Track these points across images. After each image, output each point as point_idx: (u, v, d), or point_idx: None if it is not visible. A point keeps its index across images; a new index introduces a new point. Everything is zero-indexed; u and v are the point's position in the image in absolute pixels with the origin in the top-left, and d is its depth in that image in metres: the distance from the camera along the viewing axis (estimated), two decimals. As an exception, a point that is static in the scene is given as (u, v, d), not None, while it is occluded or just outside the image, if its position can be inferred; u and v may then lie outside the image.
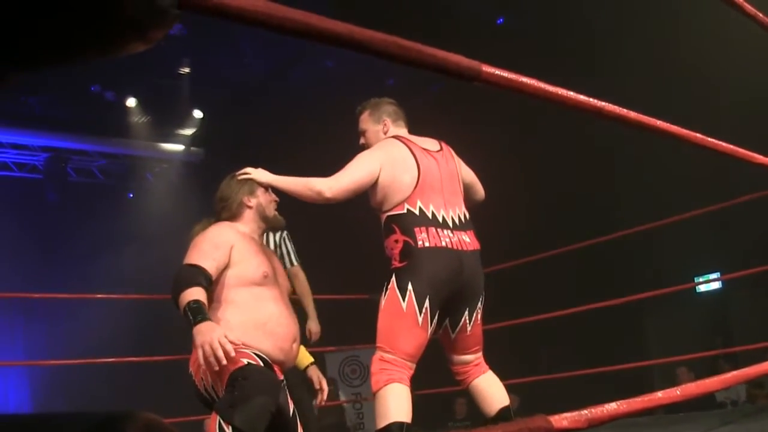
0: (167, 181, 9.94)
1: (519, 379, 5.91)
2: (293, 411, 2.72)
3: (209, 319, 2.50)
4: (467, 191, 3.18)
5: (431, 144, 3.11)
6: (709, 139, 2.05)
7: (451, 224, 2.92)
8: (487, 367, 3.07)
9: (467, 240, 2.94)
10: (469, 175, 3.25)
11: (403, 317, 2.78)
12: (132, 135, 9.21)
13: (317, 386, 3.03)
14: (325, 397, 3.03)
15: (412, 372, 2.82)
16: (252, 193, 2.95)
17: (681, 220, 5.33)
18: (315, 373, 3.04)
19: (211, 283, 2.66)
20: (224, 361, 2.43)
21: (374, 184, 2.92)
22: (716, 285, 8.59)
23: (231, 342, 2.47)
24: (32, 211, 9.10)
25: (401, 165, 2.93)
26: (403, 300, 2.78)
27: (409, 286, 2.78)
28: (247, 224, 2.94)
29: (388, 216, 2.92)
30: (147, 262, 8.24)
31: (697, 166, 6.25)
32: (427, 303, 2.78)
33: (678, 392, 1.68)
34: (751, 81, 6.57)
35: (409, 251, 2.83)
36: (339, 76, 8.17)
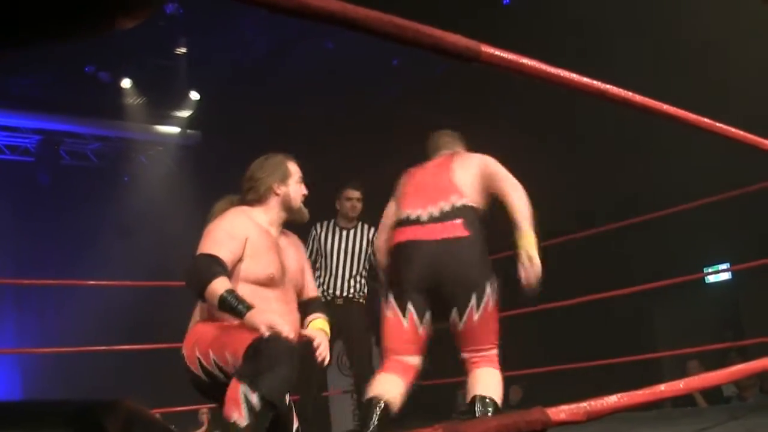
0: (163, 165, 9.82)
1: (523, 370, 5.84)
2: (289, 401, 2.68)
3: (253, 306, 2.50)
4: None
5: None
6: (718, 124, 2.02)
7: (426, 219, 2.89)
8: (486, 364, 2.84)
9: (443, 229, 2.85)
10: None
11: (388, 323, 2.90)
12: (127, 117, 9.05)
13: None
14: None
15: (404, 363, 2.85)
16: (284, 180, 2.88)
17: (690, 209, 5.24)
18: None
19: (227, 273, 2.62)
20: (289, 333, 2.46)
21: None
22: (726, 275, 8.54)
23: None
24: (24, 194, 8.98)
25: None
26: (387, 309, 2.91)
27: (389, 294, 2.91)
28: (269, 212, 2.86)
29: None
30: (142, 248, 8.20)
31: (706, 154, 6.14)
32: (410, 305, 2.84)
33: (681, 385, 1.68)
34: (761, 66, 6.45)
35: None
36: (340, 57, 8.02)
